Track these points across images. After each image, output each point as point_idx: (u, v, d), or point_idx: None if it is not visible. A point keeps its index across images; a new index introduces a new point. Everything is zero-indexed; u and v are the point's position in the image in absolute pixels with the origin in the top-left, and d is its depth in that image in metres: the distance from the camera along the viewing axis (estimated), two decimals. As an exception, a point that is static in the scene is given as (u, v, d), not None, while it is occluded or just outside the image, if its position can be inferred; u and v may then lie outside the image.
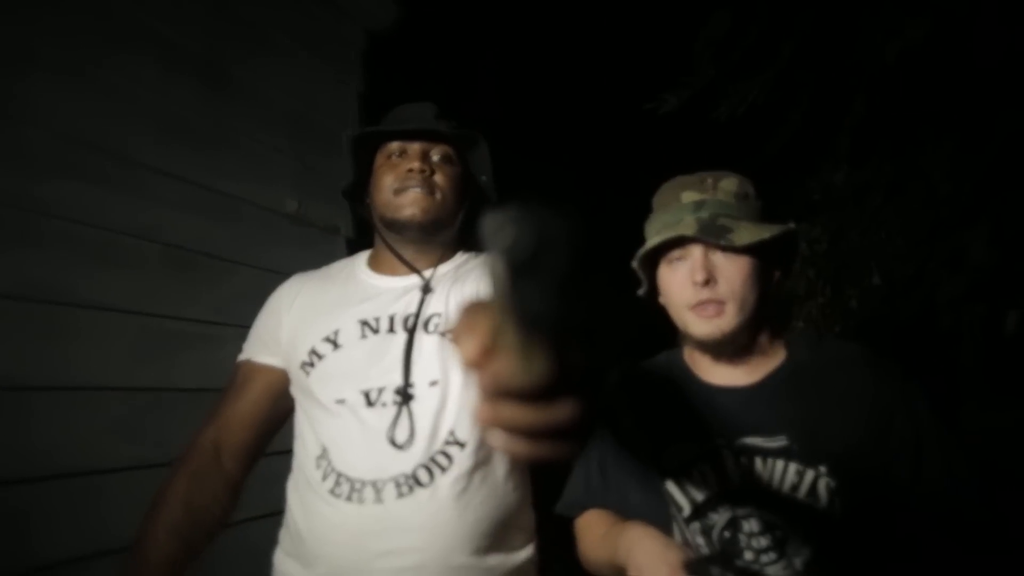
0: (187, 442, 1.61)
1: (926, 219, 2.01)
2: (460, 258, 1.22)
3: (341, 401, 1.07)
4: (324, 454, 1.06)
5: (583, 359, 0.35)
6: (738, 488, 0.93)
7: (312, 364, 1.11)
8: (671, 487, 0.98)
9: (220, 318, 1.80)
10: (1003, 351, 1.84)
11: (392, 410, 1.04)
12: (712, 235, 0.93)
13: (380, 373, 1.07)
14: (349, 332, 1.11)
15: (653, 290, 1.06)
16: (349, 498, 1.00)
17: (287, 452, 1.32)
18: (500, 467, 1.08)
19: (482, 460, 1.05)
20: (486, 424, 0.37)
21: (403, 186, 1.13)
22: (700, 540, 0.95)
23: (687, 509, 0.96)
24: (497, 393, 0.35)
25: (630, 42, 3.13)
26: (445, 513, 0.99)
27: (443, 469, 1.01)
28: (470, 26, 3.11)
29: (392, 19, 2.62)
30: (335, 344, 1.11)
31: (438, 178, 1.15)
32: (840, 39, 2.17)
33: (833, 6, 2.16)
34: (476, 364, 0.35)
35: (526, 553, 1.09)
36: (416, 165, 1.13)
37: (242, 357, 1.22)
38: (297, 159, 2.15)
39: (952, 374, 1.96)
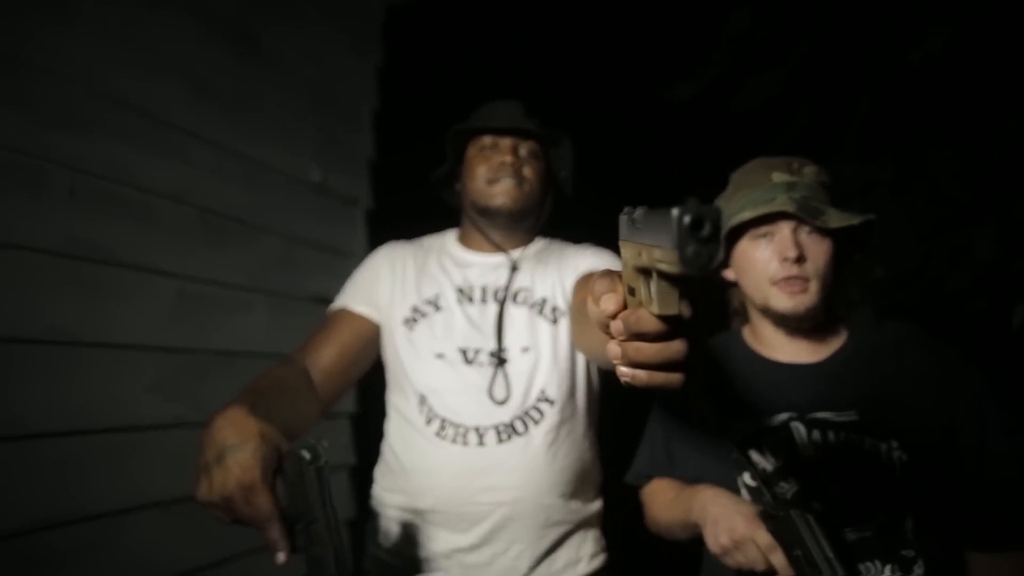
0: (219, 404, 1.66)
1: (930, 216, 2.11)
2: (540, 242, 1.36)
3: (440, 355, 1.21)
4: (424, 401, 1.20)
5: (694, 309, 0.46)
6: (811, 458, 0.99)
7: (415, 320, 1.25)
8: (740, 458, 1.03)
9: (249, 283, 1.82)
10: (1007, 345, 1.94)
11: (489, 370, 1.19)
12: (809, 214, 0.98)
13: (476, 336, 1.21)
14: (448, 297, 1.26)
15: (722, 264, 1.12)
16: (454, 440, 1.15)
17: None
18: (579, 426, 1.23)
19: (567, 417, 1.20)
20: (617, 360, 0.49)
21: (496, 177, 1.25)
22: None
23: (758, 478, 1.01)
24: (628, 335, 0.47)
25: (643, 30, 3.16)
26: (539, 459, 1.15)
27: (536, 422, 1.17)
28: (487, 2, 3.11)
29: (410, -7, 2.62)
30: (436, 306, 1.26)
31: (526, 171, 1.27)
32: (856, 39, 2.24)
33: (850, 7, 2.23)
34: (614, 315, 0.48)
35: (596, 506, 1.26)
36: (508, 159, 1.25)
37: (337, 306, 1.30)
38: (319, 130, 2.15)
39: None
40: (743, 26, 2.29)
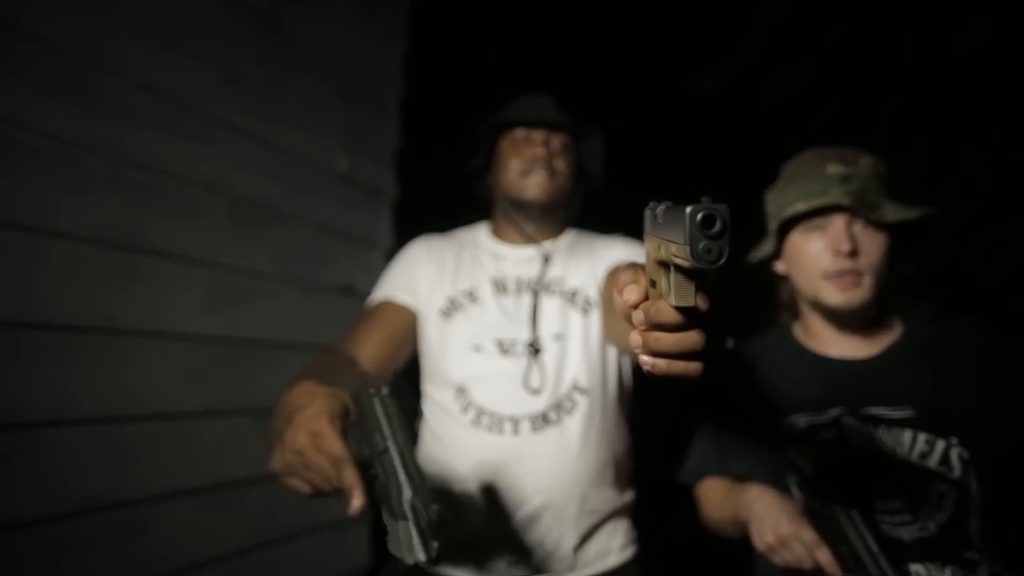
0: (248, 393, 1.67)
1: (963, 211, 2.07)
2: (571, 233, 1.38)
3: (478, 347, 1.24)
4: (462, 391, 1.23)
5: (713, 302, 0.49)
6: (863, 454, 0.97)
7: (452, 312, 1.28)
8: (791, 455, 1.01)
9: (277, 271, 1.82)
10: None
11: (524, 360, 1.22)
12: (865, 207, 0.97)
13: (512, 327, 1.25)
14: (484, 289, 1.29)
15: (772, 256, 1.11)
16: (490, 429, 1.19)
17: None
18: (612, 416, 1.26)
19: (599, 408, 1.23)
20: (638, 349, 0.51)
21: (528, 169, 1.26)
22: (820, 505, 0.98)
23: (807, 475, 1.00)
24: (648, 325, 0.50)
25: (667, 21, 3.13)
26: (572, 448, 1.18)
27: (569, 412, 1.20)
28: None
29: (436, -19, 2.59)
30: (472, 297, 1.28)
31: (558, 164, 1.28)
32: (888, 30, 2.20)
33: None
34: (636, 305, 0.50)
35: (628, 497, 1.28)
36: (541, 152, 1.26)
37: (380, 297, 1.31)
38: (346, 118, 2.15)
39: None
40: (775, 15, 2.25)
